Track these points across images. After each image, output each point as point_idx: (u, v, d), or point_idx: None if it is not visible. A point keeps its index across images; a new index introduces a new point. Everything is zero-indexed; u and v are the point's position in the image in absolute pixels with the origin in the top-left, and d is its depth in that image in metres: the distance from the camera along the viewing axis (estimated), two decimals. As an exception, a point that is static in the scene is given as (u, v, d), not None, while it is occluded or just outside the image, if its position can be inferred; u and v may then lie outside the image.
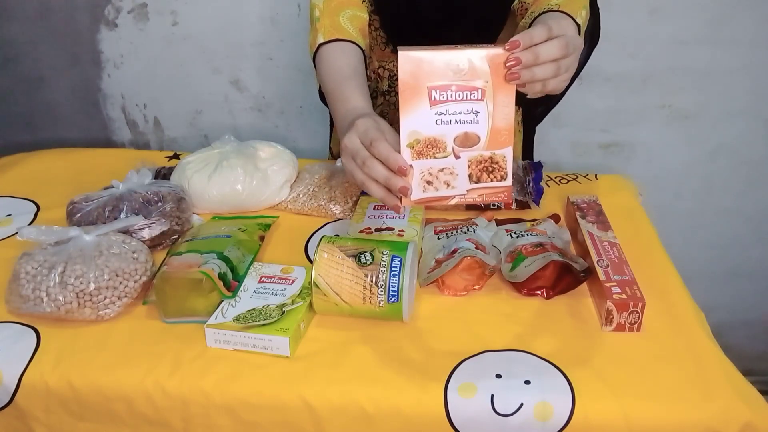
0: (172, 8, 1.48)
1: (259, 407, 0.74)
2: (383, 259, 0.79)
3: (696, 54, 1.43)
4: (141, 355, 0.78)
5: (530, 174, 1.13)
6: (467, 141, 0.69)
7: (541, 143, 1.32)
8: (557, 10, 0.87)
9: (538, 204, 1.07)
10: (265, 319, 0.78)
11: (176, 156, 1.29)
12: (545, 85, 0.69)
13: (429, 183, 0.71)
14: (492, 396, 0.72)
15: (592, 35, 1.14)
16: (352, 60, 0.92)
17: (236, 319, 0.79)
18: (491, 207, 1.07)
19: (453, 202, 0.71)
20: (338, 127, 0.86)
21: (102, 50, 1.53)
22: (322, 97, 1.02)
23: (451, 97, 0.67)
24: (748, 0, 1.37)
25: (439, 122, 0.69)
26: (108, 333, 0.82)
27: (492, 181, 0.71)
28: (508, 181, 0.72)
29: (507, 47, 0.66)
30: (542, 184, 1.11)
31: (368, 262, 0.79)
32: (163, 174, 1.14)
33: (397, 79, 0.98)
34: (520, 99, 0.81)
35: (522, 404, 0.71)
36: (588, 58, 1.19)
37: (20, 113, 1.61)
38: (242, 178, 1.06)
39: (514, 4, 1.04)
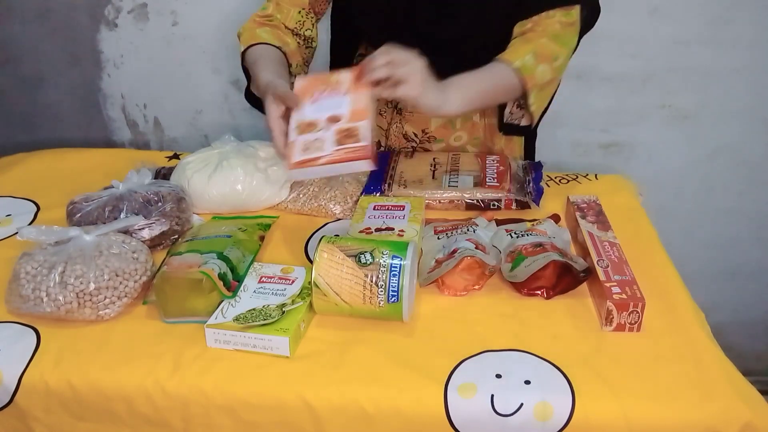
0: (172, 8, 1.47)
1: (259, 407, 0.74)
2: (383, 259, 0.79)
3: (696, 54, 1.43)
4: (141, 355, 0.78)
5: (530, 174, 1.13)
6: (334, 120, 0.92)
7: (541, 143, 1.31)
8: (496, 59, 1.02)
9: (538, 204, 1.07)
10: (265, 319, 0.78)
11: (176, 156, 1.29)
12: (394, 91, 0.91)
13: (306, 149, 0.90)
14: (492, 396, 0.72)
15: (586, 24, 1.15)
16: (265, 51, 1.08)
17: (236, 319, 0.79)
18: (491, 207, 1.07)
19: (323, 161, 0.88)
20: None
21: (102, 50, 1.53)
22: (248, 96, 1.16)
23: (325, 95, 0.95)
24: (748, 0, 1.37)
25: (316, 111, 0.94)
26: (108, 333, 0.82)
27: (352, 143, 0.89)
28: (364, 142, 0.88)
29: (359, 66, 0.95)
30: (542, 184, 1.11)
31: (368, 262, 0.79)
32: (163, 174, 1.14)
33: None
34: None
35: (522, 404, 0.71)
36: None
37: (20, 113, 1.61)
38: (242, 178, 1.06)
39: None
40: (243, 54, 1.10)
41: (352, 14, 1.14)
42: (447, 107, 0.96)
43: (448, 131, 1.20)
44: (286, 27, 1.14)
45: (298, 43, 1.15)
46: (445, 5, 1.05)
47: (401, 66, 0.91)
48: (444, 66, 1.13)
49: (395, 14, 1.08)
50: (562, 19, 1.04)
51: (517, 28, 1.05)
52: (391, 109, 1.21)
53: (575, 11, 1.04)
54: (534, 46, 1.02)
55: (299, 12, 1.14)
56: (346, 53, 1.25)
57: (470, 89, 0.99)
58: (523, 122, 1.10)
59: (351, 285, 0.79)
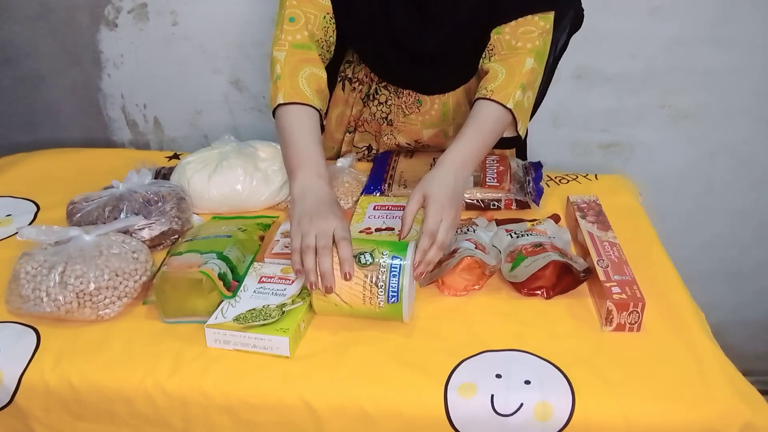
0: (172, 8, 1.47)
1: (259, 407, 0.74)
2: (383, 260, 0.79)
3: (696, 54, 1.43)
4: (141, 355, 0.78)
5: (530, 174, 1.13)
6: None
7: (542, 143, 1.31)
8: (489, 98, 0.98)
9: (538, 204, 1.07)
10: (265, 319, 0.78)
11: (176, 156, 1.30)
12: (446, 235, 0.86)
13: (286, 246, 0.91)
14: (492, 396, 0.72)
15: (573, 25, 1.16)
16: (310, 121, 0.99)
17: (236, 319, 0.79)
18: (491, 207, 1.07)
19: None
20: (294, 173, 0.93)
21: (102, 50, 1.53)
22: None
23: None
24: (748, 0, 1.37)
25: None
26: (108, 333, 0.82)
27: None
28: None
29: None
30: (542, 184, 1.11)
31: (368, 263, 0.79)
32: (163, 174, 1.14)
33: (382, 85, 1.18)
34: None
35: (522, 404, 0.71)
36: (553, 73, 1.19)
37: (20, 113, 1.61)
38: (242, 178, 1.06)
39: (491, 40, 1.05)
40: (281, 102, 1.00)
41: (338, 28, 1.09)
42: (462, 191, 0.94)
43: (440, 140, 1.20)
44: (316, 42, 1.07)
45: (324, 60, 1.09)
46: (425, 20, 1.05)
47: (431, 224, 0.86)
48: (427, 76, 1.12)
49: (377, 30, 1.07)
50: (540, 24, 1.02)
51: (494, 34, 1.04)
52: (380, 121, 1.20)
53: (551, 16, 1.03)
54: (521, 79, 1.00)
55: (324, 17, 1.07)
56: (336, 59, 1.23)
57: (471, 158, 0.96)
58: (507, 134, 1.06)
59: (351, 285, 0.79)
